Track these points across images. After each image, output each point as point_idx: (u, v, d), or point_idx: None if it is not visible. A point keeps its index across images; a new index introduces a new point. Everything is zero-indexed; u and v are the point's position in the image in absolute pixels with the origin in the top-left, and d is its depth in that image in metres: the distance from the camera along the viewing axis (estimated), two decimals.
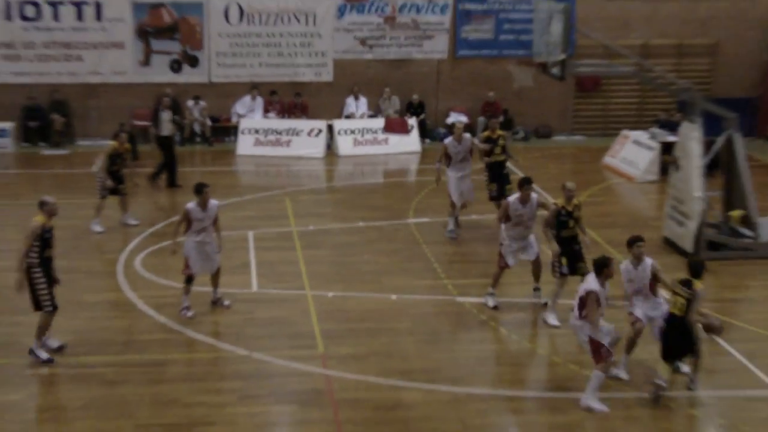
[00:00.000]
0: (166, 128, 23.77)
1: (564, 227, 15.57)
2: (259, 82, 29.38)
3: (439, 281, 17.70)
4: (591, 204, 21.52)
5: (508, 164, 20.37)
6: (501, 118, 28.41)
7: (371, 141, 28.50)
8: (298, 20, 29.37)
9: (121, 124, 23.12)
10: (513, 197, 16.19)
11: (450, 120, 29.39)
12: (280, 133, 28.26)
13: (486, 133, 20.42)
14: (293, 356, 14.38)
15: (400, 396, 13.27)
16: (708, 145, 19.57)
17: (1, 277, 15.57)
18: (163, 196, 23.36)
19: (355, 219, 21.44)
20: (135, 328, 15.50)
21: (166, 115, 23.69)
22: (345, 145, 28.27)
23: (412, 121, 29.01)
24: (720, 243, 19.03)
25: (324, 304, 16.50)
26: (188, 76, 29.25)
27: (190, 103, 28.56)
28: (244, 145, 28.16)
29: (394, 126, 28.76)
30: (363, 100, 29.74)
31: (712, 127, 19.91)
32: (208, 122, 29.03)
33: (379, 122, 28.90)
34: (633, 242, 13.67)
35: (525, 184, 16.00)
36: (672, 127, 25.74)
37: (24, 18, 28.33)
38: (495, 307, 16.25)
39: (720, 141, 19.49)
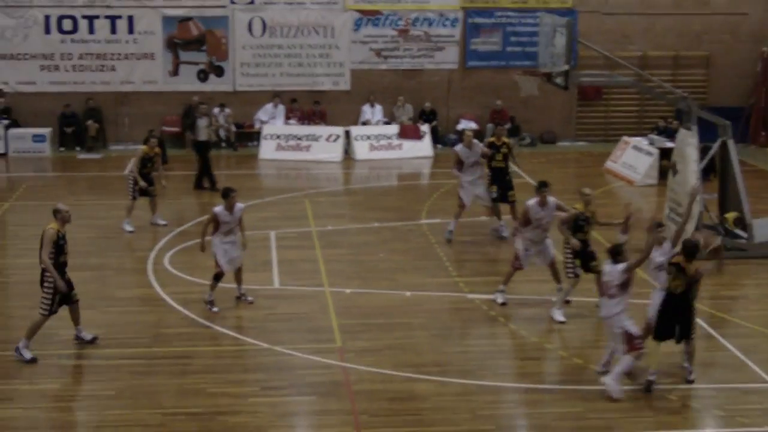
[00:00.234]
0: (203, 134, 23.73)
1: (580, 231, 15.34)
2: (281, 91, 29.26)
3: (451, 279, 17.53)
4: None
5: (515, 169, 20.14)
6: (508, 125, 28.40)
7: (386, 146, 28.35)
8: (317, 33, 29.25)
9: (150, 130, 23.07)
10: (532, 201, 15.86)
11: (460, 126, 29.26)
12: (300, 138, 28.13)
13: (491, 139, 20.24)
14: (312, 349, 14.25)
15: (414, 388, 13.11)
16: (703, 151, 19.41)
17: (38, 275, 15.42)
18: (192, 197, 23.26)
19: (370, 220, 21.29)
20: (163, 323, 15.39)
21: (203, 122, 23.69)
22: (361, 150, 28.11)
23: (425, 128, 28.86)
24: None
25: (342, 300, 16.36)
26: (214, 85, 29.17)
27: (216, 110, 28.46)
28: (267, 150, 28.03)
29: (408, 132, 28.64)
30: (378, 108, 29.59)
31: (707, 133, 19.78)
32: (233, 128, 28.93)
33: (394, 129, 28.76)
34: None
35: (542, 187, 15.76)
36: (669, 133, 25.58)
37: (61, 31, 28.31)
38: (503, 304, 16.06)
39: (715, 147, 19.36)
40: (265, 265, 18.04)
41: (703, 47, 30.57)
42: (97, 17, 28.36)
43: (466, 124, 28.83)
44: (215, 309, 15.58)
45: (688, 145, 18.88)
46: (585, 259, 15.45)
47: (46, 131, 28.11)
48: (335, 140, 28.08)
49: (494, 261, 18.60)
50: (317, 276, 17.54)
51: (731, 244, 18.81)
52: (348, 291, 16.79)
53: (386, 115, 29.65)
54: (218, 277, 15.60)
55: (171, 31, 28.73)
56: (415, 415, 12.41)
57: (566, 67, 18.88)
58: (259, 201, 22.79)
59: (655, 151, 25.51)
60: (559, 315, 15.48)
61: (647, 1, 30.23)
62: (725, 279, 17.53)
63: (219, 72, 29.16)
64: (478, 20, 29.71)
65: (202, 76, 29.11)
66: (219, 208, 15.49)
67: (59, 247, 13.68)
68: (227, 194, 15.46)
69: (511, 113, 29.59)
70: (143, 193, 20.23)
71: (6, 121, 27.95)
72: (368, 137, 28.45)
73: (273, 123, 28.84)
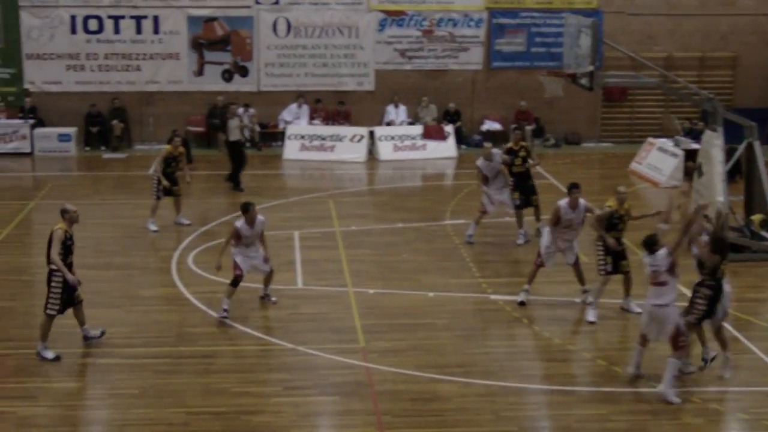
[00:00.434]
0: (235, 134, 23.79)
1: (613, 229, 15.27)
2: (305, 91, 29.28)
3: (474, 280, 17.50)
4: None
5: (537, 169, 19.98)
6: (533, 126, 28.32)
7: (410, 147, 28.32)
8: (342, 33, 29.27)
9: (174, 129, 23.14)
10: (563, 202, 15.78)
11: (484, 127, 29.28)
12: (324, 138, 28.15)
13: (509, 145, 20.12)
14: (336, 350, 14.25)
15: (437, 388, 13.09)
16: (729, 153, 19.29)
17: None
18: (217, 197, 23.32)
19: (394, 220, 21.28)
20: (187, 322, 15.43)
21: (234, 122, 23.76)
22: (385, 151, 28.11)
23: (449, 128, 28.82)
24: (742, 245, 18.69)
25: (365, 300, 16.36)
26: (239, 85, 29.24)
27: (240, 110, 28.47)
28: (291, 150, 28.07)
29: (432, 133, 28.61)
30: (402, 108, 29.57)
31: (733, 135, 19.65)
32: (257, 128, 28.98)
33: (418, 129, 28.73)
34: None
35: (573, 188, 15.69)
36: (695, 135, 25.44)
37: (87, 31, 28.43)
38: (522, 303, 15.99)
39: (741, 148, 19.24)
40: (289, 265, 18.05)
41: (729, 48, 30.38)
42: (122, 17, 28.47)
43: (491, 125, 28.85)
44: (228, 321, 15.18)
45: (713, 146, 18.78)
46: (616, 258, 15.38)
47: (71, 131, 28.26)
48: (359, 140, 28.08)
49: (517, 262, 18.55)
50: (341, 276, 17.54)
51: (757, 246, 18.69)
52: (371, 291, 16.79)
53: (410, 116, 29.62)
54: (236, 282, 15.32)
55: (196, 31, 28.80)
56: (437, 416, 12.39)
57: (591, 68, 18.83)
58: (283, 201, 22.83)
59: (681, 153, 25.39)
60: (592, 315, 15.41)
61: (673, 2, 30.07)
62: (751, 281, 17.44)
63: (243, 72, 29.22)
64: (503, 21, 29.65)
65: (227, 76, 29.19)
66: (240, 223, 15.29)
67: (66, 248, 13.77)
68: (247, 208, 15.26)
69: (535, 114, 29.52)
70: (167, 192, 20.29)
71: (32, 121, 28.13)
72: (392, 138, 28.43)
73: (297, 123, 28.86)
